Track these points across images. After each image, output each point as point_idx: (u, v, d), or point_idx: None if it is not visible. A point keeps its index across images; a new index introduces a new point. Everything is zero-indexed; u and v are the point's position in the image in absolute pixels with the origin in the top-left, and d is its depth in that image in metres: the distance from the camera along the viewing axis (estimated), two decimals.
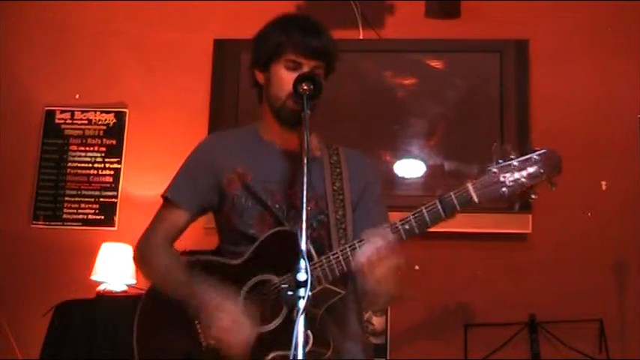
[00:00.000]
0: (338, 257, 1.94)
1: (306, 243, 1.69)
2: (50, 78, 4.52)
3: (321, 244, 2.05)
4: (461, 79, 4.29)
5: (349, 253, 1.93)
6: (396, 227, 1.91)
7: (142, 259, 2.23)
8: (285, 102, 2.08)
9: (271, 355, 1.95)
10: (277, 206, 2.10)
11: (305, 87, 1.99)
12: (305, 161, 1.82)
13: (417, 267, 4.01)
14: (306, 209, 1.74)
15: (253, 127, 2.25)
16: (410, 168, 4.21)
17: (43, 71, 4.53)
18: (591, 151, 4.09)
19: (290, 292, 1.65)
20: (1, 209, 4.34)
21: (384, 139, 4.21)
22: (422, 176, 4.20)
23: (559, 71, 4.23)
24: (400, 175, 4.21)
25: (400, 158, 4.24)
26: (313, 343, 1.88)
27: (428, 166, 4.21)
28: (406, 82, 4.35)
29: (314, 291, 1.88)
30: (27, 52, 4.56)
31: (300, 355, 1.58)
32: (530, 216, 3.97)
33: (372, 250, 1.87)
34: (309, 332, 1.83)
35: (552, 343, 3.78)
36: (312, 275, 1.78)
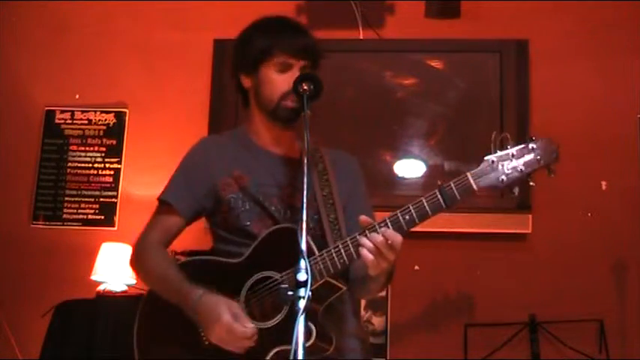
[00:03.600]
0: (339, 250, 1.94)
1: (307, 239, 1.70)
2: (50, 78, 4.52)
3: (319, 240, 2.06)
4: (461, 79, 4.28)
5: (350, 246, 1.92)
6: (397, 218, 1.89)
7: (137, 262, 2.24)
8: (279, 103, 2.11)
9: (274, 351, 1.96)
10: (274, 207, 2.13)
11: (305, 87, 2.00)
12: (305, 161, 1.83)
13: (416, 267, 4.01)
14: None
15: (242, 130, 2.28)
16: (410, 168, 4.21)
17: (43, 71, 4.53)
18: (591, 151, 4.08)
19: (290, 292, 1.66)
20: (1, 209, 4.34)
21: (384, 139, 4.21)
22: (422, 176, 4.20)
23: (559, 71, 4.23)
24: (400, 175, 4.21)
25: (400, 158, 4.24)
26: (316, 338, 1.90)
27: (428, 166, 4.21)
28: (406, 82, 4.35)
29: (316, 285, 1.91)
30: (27, 52, 4.57)
31: (300, 355, 1.58)
32: (530, 216, 3.97)
33: (379, 238, 1.86)
34: (311, 326, 1.89)
35: (552, 343, 3.78)
36: (313, 269, 1.86)
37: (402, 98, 4.31)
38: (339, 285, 2.01)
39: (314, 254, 1.95)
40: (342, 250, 1.93)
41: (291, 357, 1.58)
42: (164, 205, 2.23)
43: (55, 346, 3.57)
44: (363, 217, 1.91)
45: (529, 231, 3.99)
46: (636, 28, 4.19)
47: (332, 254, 1.94)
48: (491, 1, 4.32)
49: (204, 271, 2.13)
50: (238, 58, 2.22)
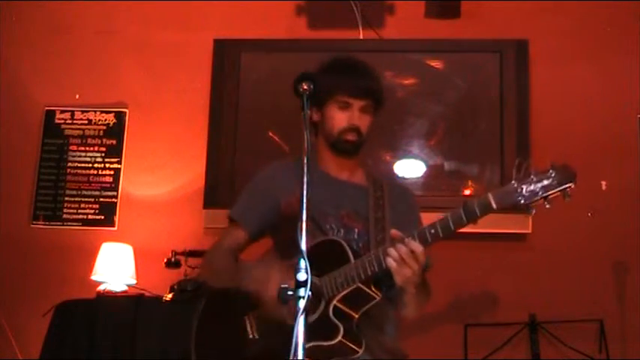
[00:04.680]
0: (370, 259, 2.12)
1: (301, 243, 1.76)
2: (50, 78, 4.52)
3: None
4: (461, 79, 4.28)
5: (381, 255, 2.11)
6: (423, 232, 2.10)
7: (206, 264, 2.49)
8: (339, 137, 2.36)
9: (308, 345, 2.03)
10: (329, 226, 2.31)
11: (305, 87, 2.00)
12: (305, 161, 1.85)
13: None
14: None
15: (312, 157, 2.37)
16: (410, 168, 4.21)
17: (43, 71, 4.53)
18: (591, 151, 4.09)
19: (290, 292, 1.67)
20: (1, 209, 4.34)
21: (384, 139, 4.21)
22: (422, 176, 4.20)
23: (559, 71, 4.23)
24: (400, 175, 4.21)
25: (400, 158, 4.24)
26: (344, 336, 2.10)
27: (428, 166, 4.21)
28: (406, 82, 4.35)
29: (347, 290, 2.13)
30: (27, 52, 4.57)
31: (300, 355, 1.59)
32: (530, 216, 3.97)
33: (403, 248, 2.07)
34: (339, 324, 2.10)
35: (552, 343, 3.78)
36: (347, 275, 2.12)
37: (402, 98, 4.31)
38: (373, 293, 2.16)
39: (350, 262, 2.15)
40: (373, 258, 2.12)
41: (291, 357, 1.59)
42: (232, 222, 2.43)
43: (55, 346, 3.57)
44: (393, 232, 2.12)
45: (529, 231, 3.99)
46: (636, 28, 4.19)
47: (364, 262, 2.13)
48: (491, 1, 4.32)
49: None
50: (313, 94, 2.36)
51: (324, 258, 2.15)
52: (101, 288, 3.88)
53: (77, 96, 4.49)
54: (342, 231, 2.32)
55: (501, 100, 4.15)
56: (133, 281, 3.93)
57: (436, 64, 4.34)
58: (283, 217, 2.32)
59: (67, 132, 4.45)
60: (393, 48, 4.35)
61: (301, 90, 2.00)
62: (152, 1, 4.51)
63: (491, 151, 4.11)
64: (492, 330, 3.79)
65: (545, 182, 2.03)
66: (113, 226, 4.30)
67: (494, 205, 2.05)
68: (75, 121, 4.46)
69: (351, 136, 2.35)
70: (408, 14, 4.38)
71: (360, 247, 2.29)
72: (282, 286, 1.79)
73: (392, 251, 2.07)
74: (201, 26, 4.46)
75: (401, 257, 2.07)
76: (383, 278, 2.16)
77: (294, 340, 1.60)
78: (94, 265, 3.95)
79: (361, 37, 4.34)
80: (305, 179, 1.83)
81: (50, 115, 4.47)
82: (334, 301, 2.14)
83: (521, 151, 3.99)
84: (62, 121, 4.46)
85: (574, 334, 3.76)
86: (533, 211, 2.06)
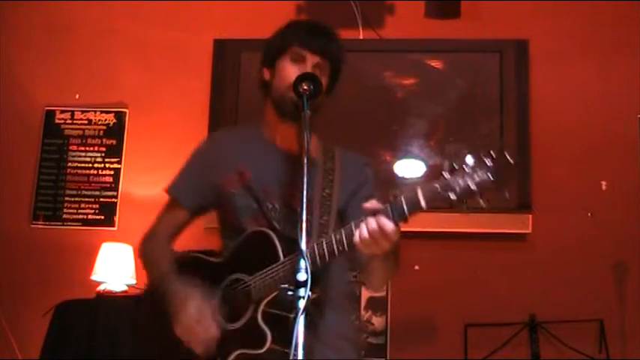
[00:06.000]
0: (314, 253, 1.88)
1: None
2: (50, 78, 4.52)
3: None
4: (461, 79, 4.28)
5: (316, 249, 1.88)
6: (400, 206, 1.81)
7: (139, 252, 2.31)
8: (286, 93, 2.08)
9: (235, 354, 1.98)
10: (271, 206, 2.11)
11: (305, 87, 1.99)
12: (305, 161, 1.83)
13: (416, 267, 4.01)
14: (306, 209, 1.74)
15: (257, 124, 2.26)
16: (410, 168, 4.21)
17: (43, 71, 4.53)
18: (591, 151, 4.09)
19: (290, 292, 1.66)
20: (1, 209, 4.34)
21: (384, 139, 4.21)
22: (422, 176, 4.20)
23: (559, 71, 4.23)
24: (400, 175, 4.20)
25: (400, 158, 4.23)
26: (274, 342, 1.90)
27: (428, 166, 4.21)
28: (406, 82, 4.35)
29: (274, 293, 1.93)
30: (27, 52, 4.57)
31: (300, 355, 1.59)
32: (530, 216, 3.97)
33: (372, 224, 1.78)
34: (266, 331, 1.92)
35: (552, 343, 3.78)
36: (273, 275, 1.93)
37: (402, 98, 4.31)
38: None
39: (278, 260, 1.95)
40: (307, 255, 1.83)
41: (291, 357, 1.58)
42: (170, 197, 2.28)
43: (55, 346, 3.57)
44: (367, 204, 1.82)
45: (529, 231, 3.99)
46: (636, 28, 4.19)
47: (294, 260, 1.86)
48: (491, 1, 4.32)
49: (190, 266, 2.16)
50: (264, 52, 2.24)
51: (254, 253, 2.02)
52: (101, 288, 3.88)
53: (77, 96, 4.49)
54: (284, 211, 2.09)
55: (501, 100, 4.15)
56: (133, 281, 3.93)
57: (436, 64, 4.34)
58: (222, 193, 2.16)
59: (67, 132, 4.45)
60: (393, 48, 4.35)
61: (301, 90, 1.99)
62: (152, 1, 4.51)
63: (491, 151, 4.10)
64: (492, 330, 3.79)
65: (481, 176, 1.73)
66: (113, 226, 4.30)
67: (423, 205, 1.77)
68: (75, 121, 4.46)
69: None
70: (408, 14, 4.38)
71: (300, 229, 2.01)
72: (282, 286, 1.79)
73: (362, 227, 1.79)
74: (201, 26, 4.46)
75: (371, 236, 1.77)
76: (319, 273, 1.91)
77: (294, 340, 1.60)
78: (93, 265, 3.95)
79: (361, 37, 4.34)
80: (305, 179, 1.79)
81: (50, 115, 4.47)
82: (262, 306, 1.97)
83: (521, 151, 3.99)
84: (62, 121, 4.46)
85: (574, 334, 3.76)
86: (465, 207, 1.75)
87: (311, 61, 2.12)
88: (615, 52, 4.21)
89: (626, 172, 4.07)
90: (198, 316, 2.00)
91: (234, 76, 4.30)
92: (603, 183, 4.09)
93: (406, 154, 4.23)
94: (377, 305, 4.04)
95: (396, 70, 4.34)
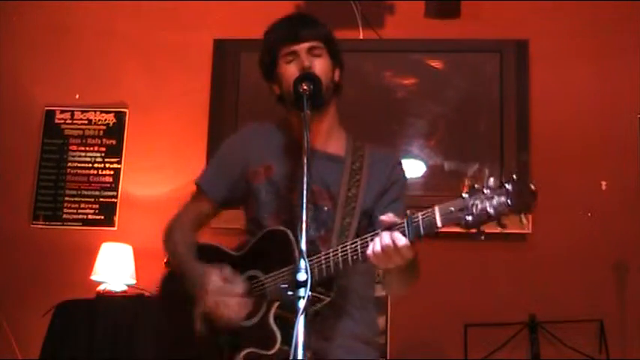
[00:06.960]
0: (329, 259, 1.89)
1: (301, 243, 1.68)
2: (50, 78, 4.52)
3: (318, 246, 2.03)
4: (461, 79, 4.29)
5: (340, 256, 1.87)
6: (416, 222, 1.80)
7: (163, 240, 2.29)
8: (293, 91, 2.06)
9: (245, 352, 1.98)
10: (294, 202, 2.08)
11: (305, 87, 2.00)
12: (305, 161, 1.82)
13: None
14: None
15: (283, 121, 2.26)
16: (410, 168, 4.21)
17: (43, 71, 4.53)
18: (591, 151, 4.09)
19: (290, 292, 1.66)
20: (1, 209, 4.34)
21: (384, 139, 4.21)
22: (422, 176, 4.20)
23: (559, 71, 4.23)
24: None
25: (400, 158, 4.23)
26: (284, 343, 1.89)
27: (428, 166, 4.21)
28: (406, 82, 4.35)
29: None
30: (27, 52, 4.57)
31: (300, 355, 1.58)
32: (530, 216, 3.97)
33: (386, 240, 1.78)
34: (276, 332, 1.93)
35: (552, 343, 3.78)
36: (287, 279, 1.88)
37: (402, 98, 4.31)
38: (320, 296, 1.93)
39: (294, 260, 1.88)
40: (323, 262, 1.89)
41: (291, 357, 1.58)
42: (197, 188, 2.29)
43: (55, 346, 3.57)
44: (384, 217, 1.82)
45: (529, 231, 3.99)
46: (636, 28, 4.19)
47: (321, 263, 1.89)
48: (491, 1, 4.32)
49: (210, 255, 2.16)
50: (261, 70, 2.23)
51: (271, 252, 2.03)
52: (101, 288, 3.88)
53: (77, 96, 4.49)
54: (311, 209, 1.99)
55: (501, 100, 4.15)
56: (133, 281, 3.93)
57: (436, 64, 4.35)
58: (248, 187, 2.17)
59: (67, 132, 4.45)
60: (393, 48, 4.35)
61: (301, 90, 1.99)
62: (152, 1, 4.51)
63: (491, 151, 4.11)
64: (492, 330, 3.79)
65: (500, 200, 1.68)
66: (113, 226, 4.30)
67: (439, 224, 1.75)
68: (75, 121, 4.46)
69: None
70: (407, 14, 4.38)
71: (322, 230, 2.06)
72: (282, 285, 1.78)
73: (375, 241, 1.78)
74: (201, 26, 4.46)
75: (383, 251, 1.77)
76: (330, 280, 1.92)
77: (294, 340, 1.60)
78: (93, 265, 3.95)
79: (361, 37, 4.34)
80: (305, 179, 1.79)
81: (50, 115, 4.47)
82: (274, 306, 1.97)
83: (521, 151, 3.99)
84: (62, 121, 4.46)
85: (574, 334, 3.76)
86: (482, 237, 1.73)
87: (302, 49, 2.10)
88: (615, 52, 4.21)
89: (625, 172, 4.07)
90: (223, 281, 2.01)
91: (234, 76, 4.30)
92: (603, 183, 4.09)
93: (406, 154, 4.23)
94: (377, 305, 4.03)
95: (396, 70, 4.34)
